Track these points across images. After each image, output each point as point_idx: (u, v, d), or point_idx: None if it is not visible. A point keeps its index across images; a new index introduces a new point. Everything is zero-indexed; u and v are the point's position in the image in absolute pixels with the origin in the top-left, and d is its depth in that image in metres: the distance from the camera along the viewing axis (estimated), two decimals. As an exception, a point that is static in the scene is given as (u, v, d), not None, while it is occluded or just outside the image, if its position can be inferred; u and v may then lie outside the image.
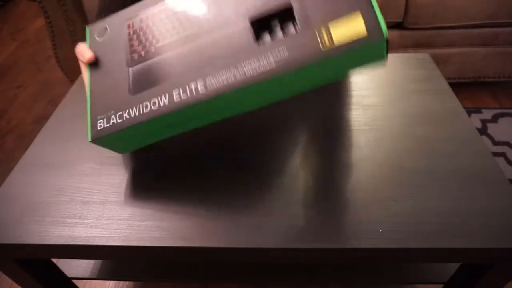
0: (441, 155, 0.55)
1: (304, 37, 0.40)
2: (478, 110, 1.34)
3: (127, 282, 0.91)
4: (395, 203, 0.49)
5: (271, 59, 0.40)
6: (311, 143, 0.58)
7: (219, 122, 0.63)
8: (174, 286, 0.89)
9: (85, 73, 0.53)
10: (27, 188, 0.54)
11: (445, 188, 0.50)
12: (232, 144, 0.59)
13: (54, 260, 0.68)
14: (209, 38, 0.44)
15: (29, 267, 0.56)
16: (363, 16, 0.38)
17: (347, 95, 0.67)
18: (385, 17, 1.21)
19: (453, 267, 0.64)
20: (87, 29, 0.55)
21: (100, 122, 0.48)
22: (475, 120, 1.30)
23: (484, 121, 1.29)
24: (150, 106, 0.45)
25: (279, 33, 0.41)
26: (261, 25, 0.42)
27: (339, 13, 0.39)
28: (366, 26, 0.38)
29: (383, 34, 0.37)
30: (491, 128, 1.27)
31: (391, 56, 0.76)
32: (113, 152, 0.59)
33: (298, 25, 0.40)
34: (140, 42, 0.49)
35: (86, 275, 0.66)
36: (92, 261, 0.68)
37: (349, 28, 0.38)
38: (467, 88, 1.43)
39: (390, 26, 1.26)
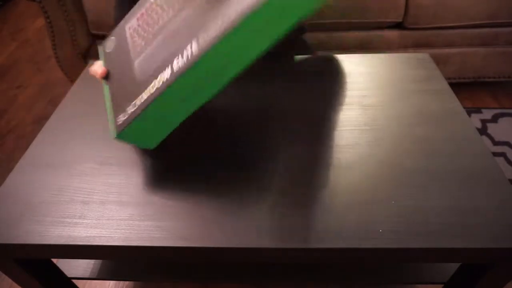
0: (441, 155, 0.55)
1: None
2: (478, 110, 1.34)
3: (127, 282, 0.91)
4: (395, 203, 0.49)
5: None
6: (310, 143, 0.58)
7: (218, 122, 0.63)
8: (174, 286, 0.89)
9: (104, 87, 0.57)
10: (27, 188, 0.54)
11: (445, 188, 0.50)
12: (231, 145, 0.59)
13: (54, 260, 0.68)
14: (191, 7, 0.47)
15: (29, 267, 0.56)
16: None
17: (350, 94, 0.67)
18: (385, 17, 1.21)
19: (453, 267, 0.64)
20: (99, 48, 0.59)
21: (119, 118, 0.50)
22: (475, 120, 1.30)
23: (484, 121, 1.29)
24: (156, 85, 0.47)
25: None
26: None
27: None
28: None
29: None
30: (491, 128, 1.27)
31: (391, 56, 0.76)
32: (113, 152, 0.59)
33: None
34: (139, 35, 0.52)
35: (86, 275, 0.66)
36: (92, 261, 0.68)
37: None
38: (467, 88, 1.43)
39: (390, 26, 1.26)
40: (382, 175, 0.52)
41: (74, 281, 0.70)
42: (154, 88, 0.47)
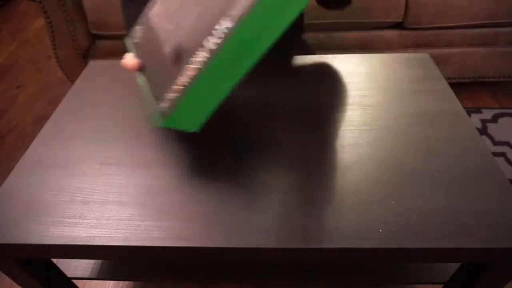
0: (441, 155, 0.55)
1: None
2: (478, 110, 1.34)
3: (127, 282, 0.91)
4: (395, 203, 0.49)
5: None
6: (310, 143, 0.58)
7: (217, 122, 0.63)
8: (174, 286, 0.90)
9: (138, 79, 0.56)
10: (27, 188, 0.54)
11: (445, 188, 0.50)
12: (231, 145, 0.59)
13: (54, 260, 0.68)
14: None
15: (29, 267, 0.56)
16: None
17: (349, 94, 0.67)
18: (385, 17, 1.21)
19: (453, 267, 0.64)
20: (126, 40, 0.58)
21: (161, 105, 0.49)
22: (475, 120, 1.30)
23: (484, 121, 1.29)
24: (193, 67, 0.46)
25: None
26: None
27: None
28: None
29: None
30: (491, 128, 1.27)
31: (391, 56, 0.76)
32: (113, 152, 0.59)
33: None
34: (166, 19, 0.51)
35: (86, 275, 0.66)
36: (92, 261, 0.68)
37: None
38: (467, 88, 1.43)
39: (390, 26, 1.26)
40: (382, 175, 0.52)
41: (74, 281, 0.70)
42: (192, 71, 0.46)
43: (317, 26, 1.24)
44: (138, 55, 0.55)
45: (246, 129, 0.61)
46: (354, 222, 0.47)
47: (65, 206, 0.51)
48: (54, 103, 1.54)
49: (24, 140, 1.38)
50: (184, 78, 0.47)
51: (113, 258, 0.50)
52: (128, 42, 0.58)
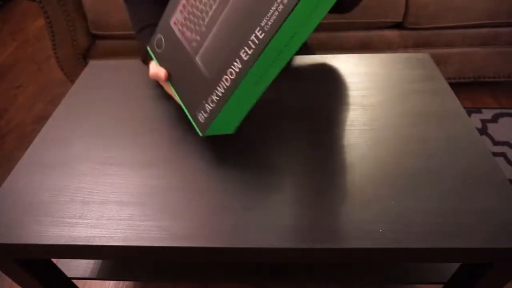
0: (441, 155, 0.55)
1: None
2: (478, 110, 1.34)
3: (127, 282, 0.91)
4: (395, 203, 0.49)
5: None
6: (310, 143, 0.58)
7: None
8: (174, 286, 0.90)
9: (168, 88, 0.59)
10: (27, 188, 0.54)
11: (445, 188, 0.50)
12: (230, 145, 0.59)
13: (54, 260, 0.68)
14: None
15: (29, 267, 0.56)
16: None
17: (349, 94, 0.67)
18: (385, 17, 1.21)
19: (453, 267, 0.64)
20: (149, 49, 0.60)
21: (200, 116, 0.52)
22: (475, 120, 1.30)
23: (484, 121, 1.29)
24: (229, 78, 0.47)
25: None
26: None
27: None
28: None
29: None
30: (491, 128, 1.27)
31: (391, 56, 0.76)
32: (113, 152, 0.59)
33: None
34: (191, 30, 0.52)
35: (86, 275, 0.66)
36: (92, 261, 0.68)
37: None
38: (467, 88, 1.43)
39: (390, 26, 1.26)
40: (382, 175, 0.52)
41: (74, 281, 0.70)
42: (229, 82, 0.48)
43: (317, 26, 1.24)
44: (162, 65, 0.57)
45: (246, 129, 0.61)
46: (354, 222, 0.47)
47: (65, 206, 0.51)
48: (54, 103, 1.54)
49: (24, 140, 1.37)
50: (221, 89, 0.49)
51: (113, 258, 0.50)
52: (150, 51, 0.60)
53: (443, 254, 0.45)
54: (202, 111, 0.52)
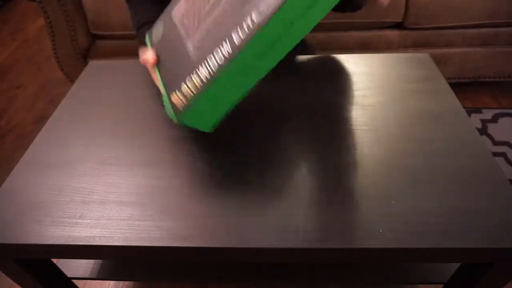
0: (441, 155, 0.55)
1: None
2: (478, 110, 1.34)
3: (127, 282, 0.91)
4: (395, 203, 0.49)
5: None
6: (310, 143, 0.58)
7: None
8: (174, 286, 0.90)
9: (155, 74, 0.57)
10: (27, 188, 0.54)
11: (445, 188, 0.50)
12: (231, 144, 0.59)
13: (54, 260, 0.68)
14: None
15: (29, 267, 0.56)
16: None
17: (349, 94, 0.67)
18: (385, 17, 1.21)
19: (453, 267, 0.64)
20: (147, 37, 0.59)
21: (174, 97, 0.48)
22: (475, 120, 1.30)
23: (484, 121, 1.29)
24: (214, 59, 0.44)
25: None
26: None
27: None
28: None
29: None
30: (491, 128, 1.27)
31: (390, 56, 0.76)
32: (113, 152, 0.59)
33: None
34: (190, 16, 0.50)
35: (86, 275, 0.66)
36: (92, 261, 0.68)
37: None
38: (467, 88, 1.43)
39: (390, 26, 1.26)
40: (382, 175, 0.52)
41: (74, 281, 0.70)
42: (214, 64, 0.44)
43: (317, 26, 1.24)
44: (157, 51, 0.55)
45: (246, 129, 0.61)
46: (354, 222, 0.47)
47: (65, 206, 0.51)
48: (54, 103, 1.54)
49: (24, 140, 1.38)
50: (204, 71, 0.45)
51: (113, 258, 0.50)
52: (147, 38, 0.58)
53: (443, 254, 0.45)
54: (177, 91, 0.48)
